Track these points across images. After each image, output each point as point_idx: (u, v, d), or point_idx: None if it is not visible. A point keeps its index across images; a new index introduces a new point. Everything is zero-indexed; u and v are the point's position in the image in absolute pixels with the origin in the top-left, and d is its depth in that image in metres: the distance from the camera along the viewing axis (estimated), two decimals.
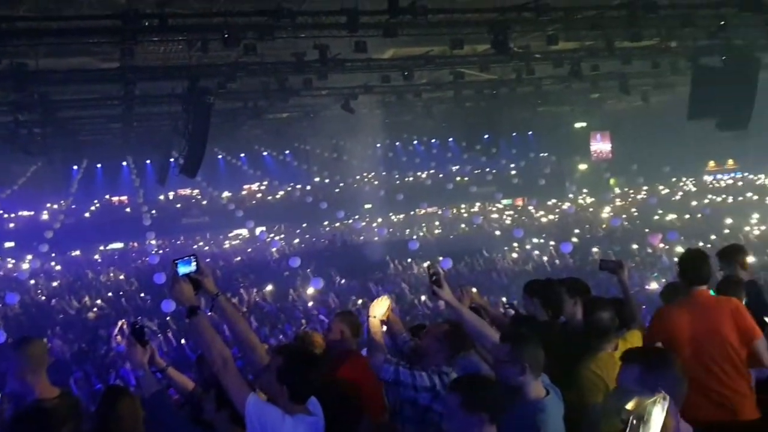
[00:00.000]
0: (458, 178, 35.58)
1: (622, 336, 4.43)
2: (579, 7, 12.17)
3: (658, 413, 2.01)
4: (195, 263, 3.74)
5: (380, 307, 4.38)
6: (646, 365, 2.56)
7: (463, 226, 31.15)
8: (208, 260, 24.26)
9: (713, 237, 20.19)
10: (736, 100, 15.84)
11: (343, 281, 19.75)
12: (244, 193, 35.30)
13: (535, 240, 23.61)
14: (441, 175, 35.51)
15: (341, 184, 34.59)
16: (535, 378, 3.41)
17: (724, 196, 31.37)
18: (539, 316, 4.82)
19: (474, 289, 5.57)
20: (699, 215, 26.31)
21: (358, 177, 33.83)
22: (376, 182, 33.91)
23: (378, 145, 32.60)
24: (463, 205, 35.24)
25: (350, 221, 31.20)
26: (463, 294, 4.98)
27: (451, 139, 33.98)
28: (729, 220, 23.60)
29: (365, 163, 32.27)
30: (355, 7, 11.01)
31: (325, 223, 32.82)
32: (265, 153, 34.61)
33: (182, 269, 3.70)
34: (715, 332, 4.38)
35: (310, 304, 16.61)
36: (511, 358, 3.40)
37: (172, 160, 21.83)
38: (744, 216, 24.23)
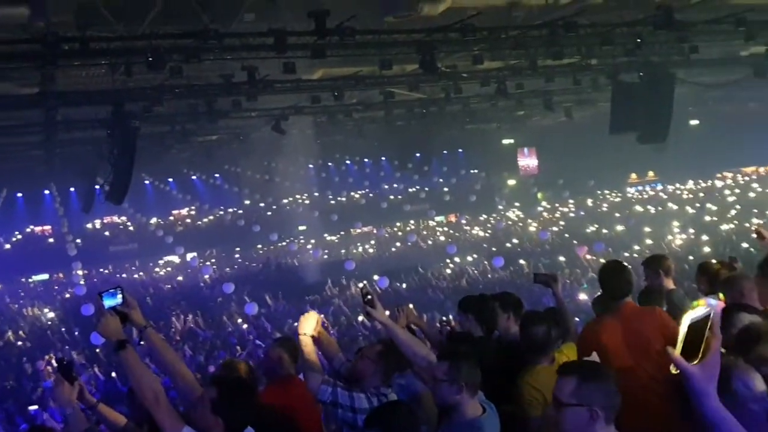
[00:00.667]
0: (392, 197, 35.79)
1: (558, 349, 4.49)
2: (502, 27, 12.47)
3: None
4: (121, 295, 3.64)
5: (309, 323, 4.32)
6: (582, 378, 2.59)
7: (398, 244, 31.32)
8: (137, 289, 23.58)
9: (637, 247, 20.89)
10: (654, 114, 16.52)
11: (278, 305, 19.48)
12: (173, 218, 34.52)
13: (470, 257, 23.91)
14: (374, 194, 35.69)
15: (274, 206, 34.25)
16: (472, 396, 3.42)
17: (647, 206, 32.56)
18: (474, 332, 4.84)
19: (411, 305, 5.58)
20: (623, 226, 27.21)
21: (291, 198, 33.58)
22: (309, 203, 33.74)
23: (310, 165, 32.48)
24: (398, 223, 35.46)
25: (284, 243, 30.89)
26: (399, 313, 4.98)
27: (383, 158, 34.24)
28: (651, 230, 24.49)
29: (298, 184, 32.06)
30: (283, 28, 10.98)
31: (259, 246, 32.40)
32: (194, 177, 33.97)
33: (108, 302, 3.59)
34: (645, 343, 4.40)
35: (245, 328, 16.32)
36: (448, 377, 3.39)
37: (97, 186, 21.12)
38: (665, 225, 25.20)
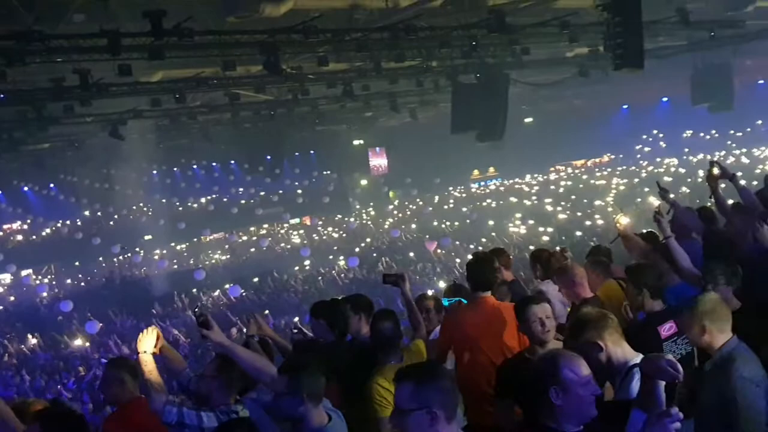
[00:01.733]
0: (243, 201, 35.06)
1: (407, 346, 4.56)
2: (345, 30, 12.57)
3: None
4: None
5: (148, 340, 4.08)
6: (417, 381, 2.61)
7: (252, 249, 30.73)
8: None
9: (483, 240, 21.89)
10: (491, 114, 17.38)
11: (124, 321, 18.46)
12: (3, 233, 31.74)
13: (327, 258, 23.97)
14: (225, 200, 34.77)
15: (115, 216, 32.44)
16: (316, 406, 3.38)
17: (489, 200, 34.24)
18: (327, 337, 4.82)
19: (267, 312, 5.48)
20: (468, 220, 28.45)
21: (134, 207, 31.95)
22: (153, 211, 32.22)
23: (154, 171, 31.00)
24: (252, 228, 34.79)
25: (128, 255, 29.33)
26: (250, 323, 4.86)
27: (233, 162, 33.39)
28: (494, 223, 25.81)
29: (141, 191, 30.56)
30: (117, 29, 10.40)
31: (100, 259, 30.55)
32: (25, 188, 31.38)
33: None
34: (498, 338, 4.56)
35: (88, 347, 15.33)
36: (289, 390, 3.34)
37: None
38: (507, 217, 26.63)
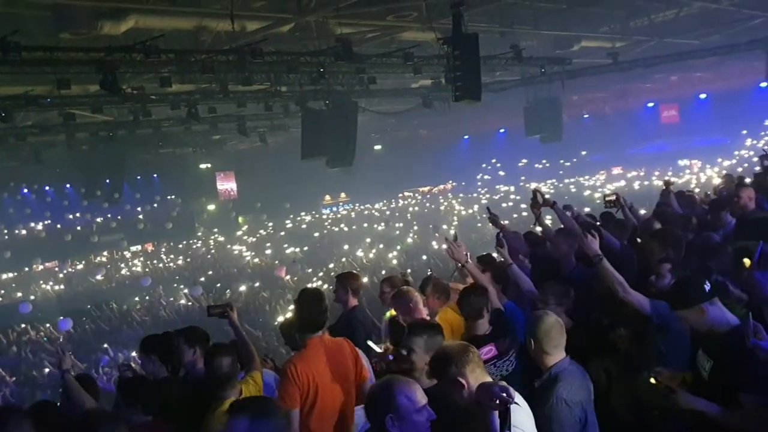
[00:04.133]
0: (79, 228, 32.80)
1: (244, 380, 4.39)
2: (190, 51, 12.27)
3: None
4: None
5: None
6: (253, 416, 2.56)
7: (91, 279, 28.77)
8: None
9: (332, 265, 21.97)
10: (341, 140, 17.66)
11: None
12: None
13: (175, 285, 22.95)
14: (58, 226, 32.32)
15: None
16: None
17: (341, 225, 34.52)
18: (159, 373, 4.57)
19: (106, 345, 5.14)
20: (319, 245, 28.49)
21: None
22: None
23: None
24: (91, 256, 32.59)
25: None
26: (64, 358, 4.54)
27: (68, 186, 31.21)
28: (346, 247, 26.03)
29: None
30: None
31: None
32: None
33: None
34: (345, 377, 4.28)
35: None
36: None
37: None
38: (358, 242, 26.96)
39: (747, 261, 2.75)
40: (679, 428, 3.70)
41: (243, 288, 20.16)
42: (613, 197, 7.16)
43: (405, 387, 2.78)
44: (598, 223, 6.91)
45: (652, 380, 3.55)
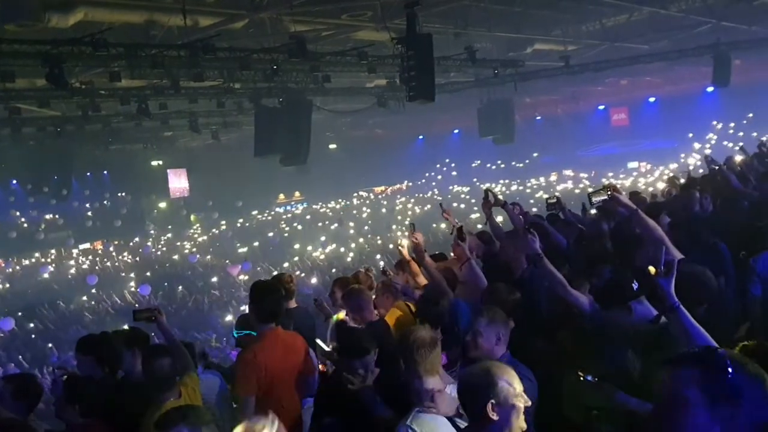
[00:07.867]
0: (25, 225, 31.88)
1: (182, 381, 4.28)
2: (140, 45, 12.02)
3: None
4: None
5: None
6: (191, 425, 2.55)
7: (37, 278, 27.93)
8: None
9: (286, 264, 21.83)
10: (295, 138, 17.52)
11: None
12: None
13: (134, 283, 22.47)
14: (3, 223, 31.33)
15: None
16: None
17: (294, 224, 34.29)
18: (95, 374, 4.46)
19: (50, 345, 4.97)
20: (271, 247, 28.25)
21: None
22: None
23: None
24: (37, 254, 31.65)
25: None
26: None
27: (14, 181, 30.25)
28: (299, 246, 25.89)
29: None
30: None
31: None
32: None
33: None
34: (296, 369, 4.48)
35: None
36: None
37: None
38: (312, 241, 26.84)
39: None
40: (617, 429, 3.76)
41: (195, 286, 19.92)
42: (554, 199, 7.27)
43: (505, 373, 2.75)
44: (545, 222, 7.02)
45: (580, 374, 3.58)
